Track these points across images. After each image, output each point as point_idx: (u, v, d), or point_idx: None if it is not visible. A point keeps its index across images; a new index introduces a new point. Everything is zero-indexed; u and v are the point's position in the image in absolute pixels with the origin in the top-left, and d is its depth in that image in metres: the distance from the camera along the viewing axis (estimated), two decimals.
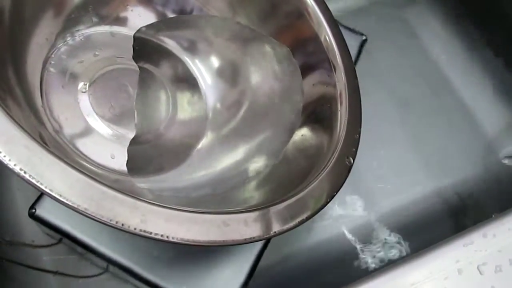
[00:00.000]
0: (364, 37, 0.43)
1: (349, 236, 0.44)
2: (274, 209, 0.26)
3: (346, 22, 0.35)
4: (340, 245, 0.44)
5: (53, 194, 0.21)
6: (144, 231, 0.23)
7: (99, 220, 0.22)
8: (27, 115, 0.29)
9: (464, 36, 0.55)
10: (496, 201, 0.48)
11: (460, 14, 0.55)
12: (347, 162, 0.30)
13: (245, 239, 0.25)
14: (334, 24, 0.35)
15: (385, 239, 0.45)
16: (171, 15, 0.37)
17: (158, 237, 0.23)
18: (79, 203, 0.22)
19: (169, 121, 0.35)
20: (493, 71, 0.53)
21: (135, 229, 0.23)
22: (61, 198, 0.22)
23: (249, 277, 0.32)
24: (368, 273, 0.31)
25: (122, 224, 0.22)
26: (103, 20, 0.36)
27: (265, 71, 0.36)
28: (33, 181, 0.21)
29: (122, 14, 0.36)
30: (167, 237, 0.23)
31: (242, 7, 0.37)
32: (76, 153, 0.32)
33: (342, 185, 0.30)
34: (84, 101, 0.34)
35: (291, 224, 0.27)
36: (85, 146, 0.32)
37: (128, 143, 0.33)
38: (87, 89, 0.34)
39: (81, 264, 0.36)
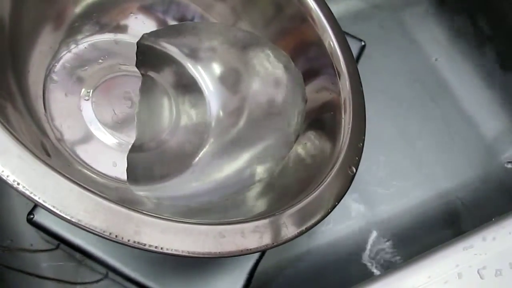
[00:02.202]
0: (363, 43, 0.42)
1: (349, 241, 0.44)
2: (272, 220, 0.26)
3: (344, 27, 0.35)
4: (340, 250, 0.44)
5: (46, 205, 0.21)
6: (138, 242, 0.23)
7: (92, 232, 0.22)
8: (29, 124, 0.29)
9: (462, 40, 0.54)
10: (497, 204, 0.48)
11: (458, 18, 0.55)
12: (349, 172, 0.30)
13: (241, 250, 0.25)
14: (338, 29, 0.34)
15: (385, 243, 0.44)
16: (172, 22, 0.37)
17: (153, 248, 0.23)
18: (73, 215, 0.22)
19: (172, 129, 0.35)
20: (492, 74, 0.53)
21: (128, 240, 0.22)
22: (54, 210, 0.21)
23: (247, 283, 0.32)
24: (368, 278, 0.30)
25: (116, 236, 0.22)
26: (106, 27, 0.36)
27: (267, 77, 0.35)
28: (27, 192, 0.21)
29: (126, 22, 0.36)
30: (162, 248, 0.23)
31: (245, 12, 0.36)
32: (78, 161, 0.32)
33: (343, 195, 0.29)
34: (87, 109, 0.34)
35: (290, 235, 0.26)
36: (88, 154, 0.32)
37: None
38: (90, 96, 0.34)
39: (80, 270, 0.36)
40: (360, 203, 0.46)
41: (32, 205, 0.32)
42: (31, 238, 0.37)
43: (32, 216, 0.31)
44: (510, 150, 0.50)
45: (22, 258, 0.36)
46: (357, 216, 0.45)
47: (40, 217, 0.32)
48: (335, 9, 0.35)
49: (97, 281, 0.34)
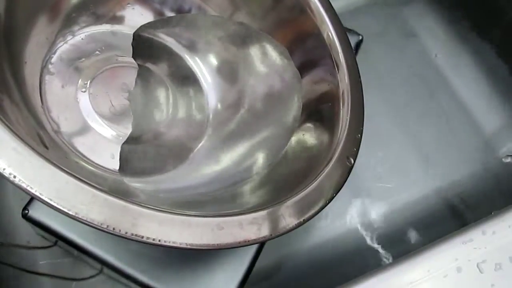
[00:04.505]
0: (360, 37, 0.42)
1: (347, 237, 0.44)
2: (270, 211, 0.26)
3: (342, 22, 0.34)
4: (338, 245, 0.44)
5: (43, 198, 0.21)
6: (136, 235, 0.22)
7: (90, 224, 0.22)
8: (26, 116, 0.29)
9: (461, 34, 0.54)
10: (496, 199, 0.48)
11: (457, 13, 0.55)
12: (347, 163, 0.30)
13: (239, 242, 0.25)
14: (337, 21, 0.34)
15: (384, 239, 0.44)
16: (169, 13, 0.36)
17: (150, 241, 0.23)
18: (69, 207, 0.22)
19: (169, 121, 0.35)
20: (491, 70, 0.53)
21: (126, 233, 0.22)
22: (51, 202, 0.21)
23: (244, 279, 0.32)
24: (367, 273, 0.30)
25: (113, 228, 0.22)
26: (103, 18, 0.36)
27: (264, 70, 0.35)
28: (23, 185, 0.21)
29: (123, 13, 0.36)
30: (159, 241, 0.23)
31: (244, 2, 0.36)
32: (75, 153, 0.32)
33: (342, 186, 0.29)
34: (84, 100, 0.34)
35: (288, 226, 0.26)
36: (85, 146, 0.32)
37: None
38: (87, 88, 0.34)
39: (76, 266, 0.36)
40: (359, 198, 0.46)
41: (27, 200, 0.32)
42: (27, 235, 0.37)
43: (26, 212, 0.31)
44: (508, 144, 0.50)
45: (19, 255, 0.36)
46: (356, 211, 0.45)
47: (35, 212, 0.31)
48: (332, 4, 0.34)
49: (92, 277, 0.34)
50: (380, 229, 0.45)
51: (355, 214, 0.45)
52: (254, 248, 0.33)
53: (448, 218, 0.47)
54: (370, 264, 0.43)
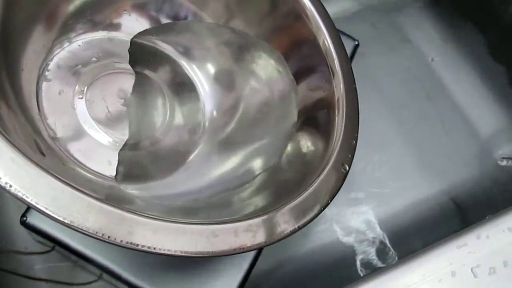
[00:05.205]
0: (356, 42, 0.42)
1: (344, 241, 0.44)
2: (265, 218, 0.26)
3: (338, 27, 0.35)
4: (335, 250, 0.44)
5: (39, 207, 0.22)
6: (131, 243, 0.23)
7: (85, 233, 0.22)
8: (23, 123, 0.29)
9: (457, 38, 0.55)
10: (493, 203, 0.48)
11: (453, 16, 0.55)
12: (342, 169, 0.30)
13: (234, 249, 0.25)
14: (332, 28, 0.34)
15: (381, 244, 0.45)
16: (165, 20, 0.37)
17: (145, 249, 0.23)
18: (65, 216, 0.22)
19: (166, 127, 0.35)
20: (487, 73, 0.53)
21: (121, 241, 0.23)
22: (47, 211, 0.22)
23: (242, 283, 0.32)
24: (363, 277, 0.30)
25: (109, 237, 0.22)
26: (100, 25, 0.36)
27: (260, 76, 0.35)
28: (19, 194, 0.21)
29: (119, 20, 0.36)
30: (154, 248, 0.23)
31: (239, 10, 0.36)
32: (72, 160, 0.32)
33: (336, 192, 0.29)
34: (81, 107, 0.34)
35: (283, 233, 0.26)
36: (82, 152, 0.32)
37: None
38: (84, 94, 0.34)
39: (74, 271, 0.36)
40: (356, 203, 0.46)
41: (25, 207, 0.32)
42: (25, 240, 0.37)
43: (25, 219, 0.31)
44: (504, 147, 0.50)
45: (16, 261, 0.36)
46: (352, 216, 0.46)
47: (33, 219, 0.31)
48: (329, 10, 0.35)
49: (90, 283, 0.34)
50: (376, 234, 0.45)
51: (351, 219, 0.45)
52: (252, 253, 0.33)
53: (444, 222, 0.47)
54: (367, 268, 0.44)
